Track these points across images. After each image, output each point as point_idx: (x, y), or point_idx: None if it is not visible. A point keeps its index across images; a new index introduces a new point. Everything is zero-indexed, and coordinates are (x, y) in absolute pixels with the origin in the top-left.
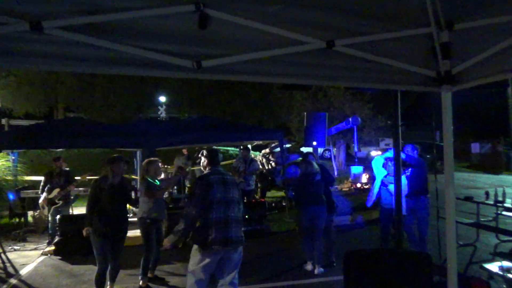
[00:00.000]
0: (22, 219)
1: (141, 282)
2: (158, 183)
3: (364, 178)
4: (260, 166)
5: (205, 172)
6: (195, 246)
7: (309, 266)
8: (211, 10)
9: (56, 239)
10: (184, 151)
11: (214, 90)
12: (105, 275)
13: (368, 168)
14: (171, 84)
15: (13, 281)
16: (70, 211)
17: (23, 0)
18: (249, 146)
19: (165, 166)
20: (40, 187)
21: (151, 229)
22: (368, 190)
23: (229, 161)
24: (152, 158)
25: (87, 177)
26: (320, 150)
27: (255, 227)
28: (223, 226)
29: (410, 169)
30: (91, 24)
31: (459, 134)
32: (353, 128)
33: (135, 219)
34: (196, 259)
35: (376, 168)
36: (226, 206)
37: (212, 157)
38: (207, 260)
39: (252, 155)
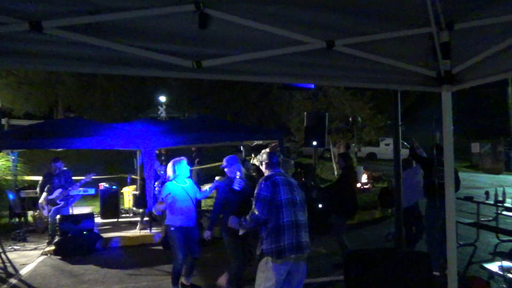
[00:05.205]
0: (22, 219)
1: None
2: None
3: (364, 178)
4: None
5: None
6: (264, 259)
7: None
8: (211, 10)
9: (56, 239)
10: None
11: (214, 90)
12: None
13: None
14: (171, 84)
15: (13, 281)
16: (70, 211)
17: (23, 0)
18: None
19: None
20: (38, 187)
21: (174, 237)
22: (368, 190)
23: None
24: (177, 158)
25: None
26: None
27: None
28: (295, 230)
29: None
30: (91, 24)
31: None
32: (353, 128)
33: (135, 219)
34: (266, 276)
35: None
36: (294, 209)
37: (271, 159)
38: (280, 274)
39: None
